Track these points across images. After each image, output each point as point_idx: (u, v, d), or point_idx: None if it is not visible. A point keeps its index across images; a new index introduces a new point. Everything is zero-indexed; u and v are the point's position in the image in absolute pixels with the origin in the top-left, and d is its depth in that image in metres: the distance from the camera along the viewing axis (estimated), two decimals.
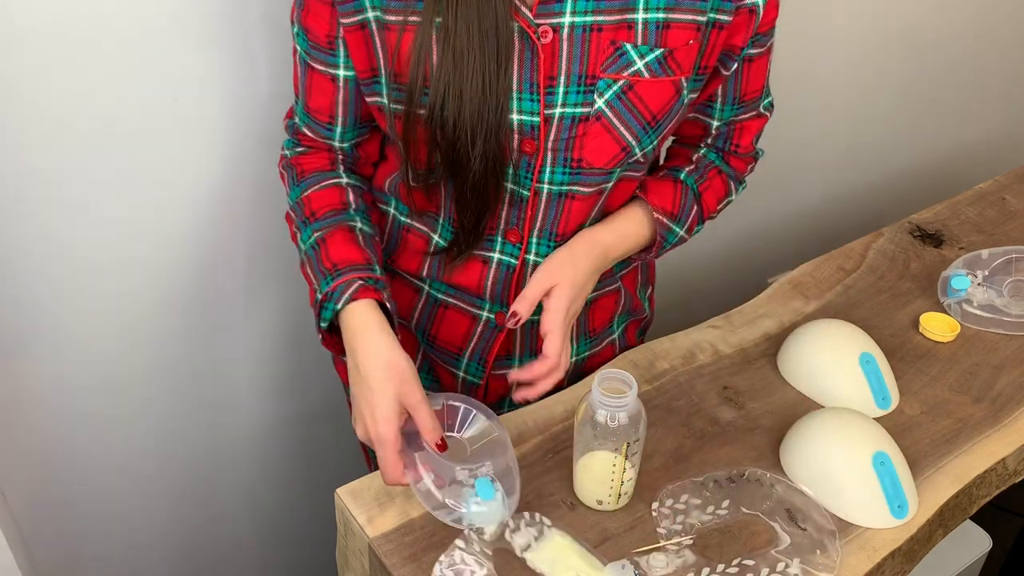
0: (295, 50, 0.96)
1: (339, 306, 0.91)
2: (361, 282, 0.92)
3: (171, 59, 1.08)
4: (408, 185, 0.95)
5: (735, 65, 0.97)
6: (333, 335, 0.97)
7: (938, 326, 1.22)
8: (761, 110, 1.07)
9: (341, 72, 0.94)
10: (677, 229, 1.05)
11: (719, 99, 1.03)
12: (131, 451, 1.33)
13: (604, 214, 1.03)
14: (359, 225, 0.98)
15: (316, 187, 1.00)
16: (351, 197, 1.00)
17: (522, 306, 0.95)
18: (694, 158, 1.09)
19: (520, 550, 0.92)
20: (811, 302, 1.28)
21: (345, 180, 1.01)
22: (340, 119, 0.98)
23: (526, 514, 0.95)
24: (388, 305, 0.93)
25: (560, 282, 0.95)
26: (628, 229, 1.03)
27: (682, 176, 1.07)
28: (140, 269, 1.19)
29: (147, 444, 1.34)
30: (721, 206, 1.11)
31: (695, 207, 1.07)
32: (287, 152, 1.04)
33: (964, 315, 1.26)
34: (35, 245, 1.10)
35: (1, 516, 1.14)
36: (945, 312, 1.27)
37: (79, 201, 1.10)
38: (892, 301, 1.29)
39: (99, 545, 1.39)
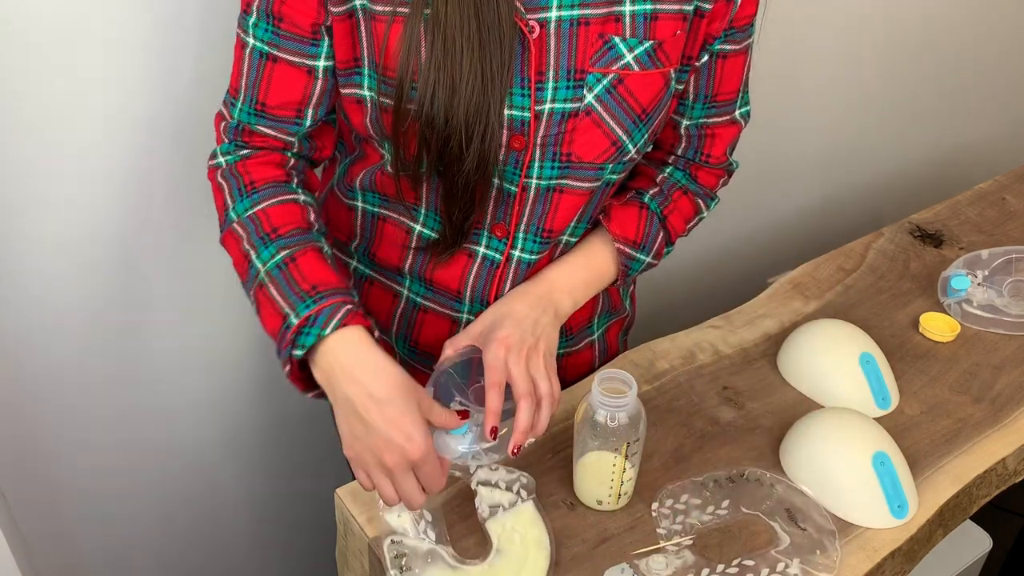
0: (243, 44, 0.90)
1: (326, 331, 0.82)
2: (350, 307, 0.84)
3: (161, 55, 1.08)
4: (396, 177, 0.93)
5: (705, 57, 0.95)
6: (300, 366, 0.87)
7: (938, 326, 1.22)
8: (736, 116, 1.03)
9: (321, 63, 0.90)
10: (642, 256, 1.03)
11: (691, 95, 0.99)
12: (130, 451, 1.33)
13: (595, 211, 1.02)
14: (326, 248, 0.91)
15: (271, 201, 0.91)
16: (312, 217, 0.93)
17: (450, 348, 0.94)
18: (658, 179, 1.06)
19: (475, 483, 0.95)
20: (811, 302, 1.28)
21: (302, 198, 0.93)
22: (311, 113, 0.92)
23: (508, 473, 0.96)
24: (375, 334, 0.86)
25: (495, 335, 0.91)
26: (577, 261, 1.01)
27: (646, 199, 1.04)
28: (136, 269, 1.19)
29: (146, 444, 1.34)
30: (691, 225, 1.08)
31: (661, 232, 1.04)
32: (226, 159, 0.94)
33: (964, 315, 1.26)
34: (31, 245, 1.10)
35: (1, 516, 1.14)
36: (945, 312, 1.27)
37: (73, 201, 1.10)
38: (892, 301, 1.29)
39: (98, 544, 1.39)
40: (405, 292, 1.05)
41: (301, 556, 1.65)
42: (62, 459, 1.28)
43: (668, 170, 1.07)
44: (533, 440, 0.90)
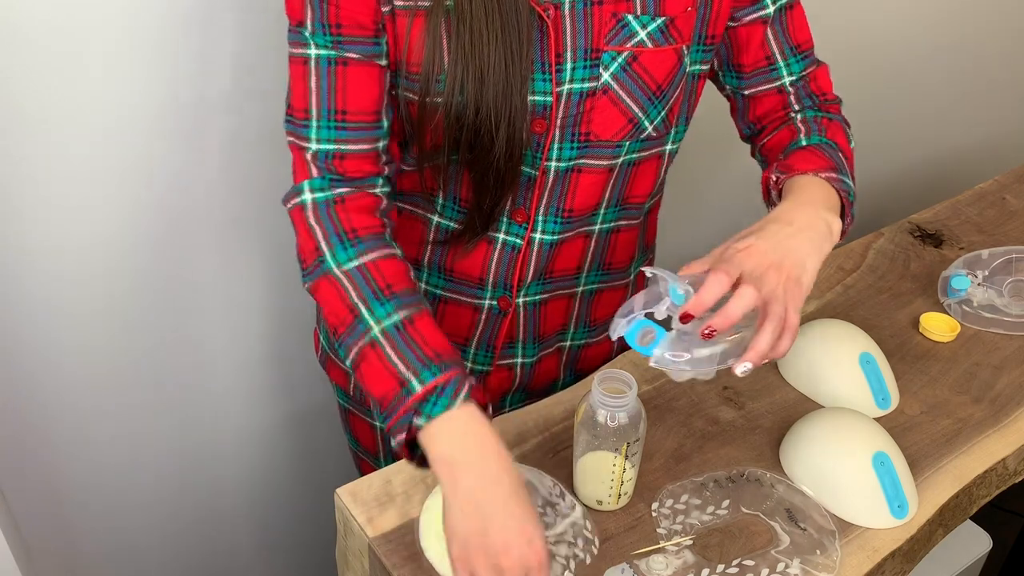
0: (303, 59, 0.86)
1: (455, 401, 0.79)
2: (471, 381, 0.82)
3: (165, 57, 1.08)
4: (420, 169, 0.94)
5: (769, 9, 0.97)
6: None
7: (938, 326, 1.22)
8: (817, 61, 1.05)
9: (383, 60, 0.87)
10: (847, 179, 0.95)
11: (777, 56, 1.01)
12: (130, 451, 1.33)
13: (627, 195, 1.02)
14: (431, 310, 0.88)
15: (380, 254, 0.87)
16: (414, 275, 0.90)
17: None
18: (798, 122, 1.03)
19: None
20: (811, 302, 1.28)
21: (399, 252, 0.90)
22: (386, 112, 0.89)
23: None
24: (489, 410, 0.84)
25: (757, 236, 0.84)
26: (810, 189, 0.92)
27: (803, 142, 0.99)
28: (137, 271, 1.19)
29: (146, 444, 1.34)
30: (852, 151, 1.03)
31: (838, 153, 0.98)
32: (317, 195, 0.88)
33: (964, 315, 1.26)
34: (32, 245, 1.10)
35: (1, 516, 1.14)
36: (945, 312, 1.26)
37: (76, 202, 1.10)
38: (892, 301, 1.29)
39: (98, 545, 1.39)
40: (423, 286, 1.06)
41: (301, 556, 1.65)
42: (63, 459, 1.28)
43: (799, 116, 1.04)
44: (748, 367, 0.80)
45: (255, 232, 1.25)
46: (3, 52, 0.98)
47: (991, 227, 1.46)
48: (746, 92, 1.05)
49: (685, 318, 0.81)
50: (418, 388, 0.80)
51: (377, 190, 0.90)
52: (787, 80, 1.03)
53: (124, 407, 1.29)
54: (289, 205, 0.90)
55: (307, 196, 0.88)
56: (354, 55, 0.86)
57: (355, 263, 0.86)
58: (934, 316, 1.24)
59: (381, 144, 0.90)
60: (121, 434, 1.31)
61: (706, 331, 0.81)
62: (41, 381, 1.20)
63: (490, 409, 0.83)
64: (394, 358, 0.82)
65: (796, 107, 1.05)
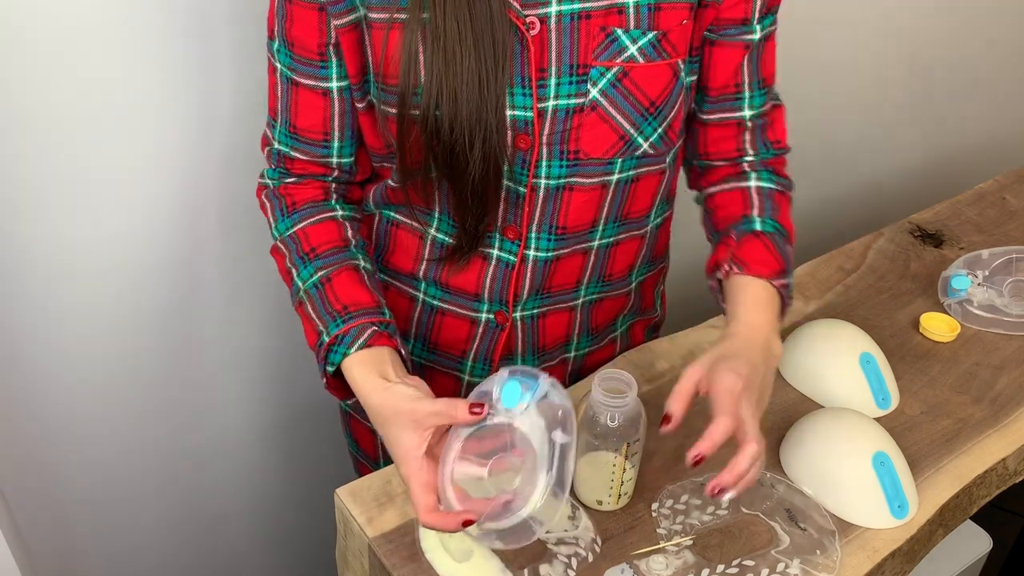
0: (273, 68, 0.93)
1: (351, 350, 0.88)
2: (375, 327, 0.89)
3: (160, 59, 1.08)
4: (403, 186, 0.94)
5: (756, 35, 0.94)
6: (335, 378, 0.92)
7: (938, 326, 1.22)
8: (778, 99, 1.03)
9: (334, 84, 0.91)
10: (791, 279, 0.99)
11: (745, 87, 0.97)
12: (130, 451, 1.33)
13: (628, 212, 1.00)
14: (362, 263, 0.95)
15: (311, 220, 0.96)
16: (350, 232, 0.97)
17: (675, 405, 0.86)
18: (752, 192, 1.01)
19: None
20: (811, 302, 1.28)
21: (340, 212, 0.98)
22: (336, 134, 0.95)
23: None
24: (402, 352, 0.90)
25: (730, 365, 0.85)
26: (757, 301, 0.95)
27: (757, 226, 0.98)
28: (137, 270, 1.19)
29: (146, 444, 1.34)
30: None
31: (788, 247, 0.99)
32: (271, 182, 0.99)
33: (964, 315, 1.26)
34: (32, 246, 1.10)
35: (1, 516, 1.14)
36: (945, 312, 1.27)
37: (76, 203, 1.10)
38: (892, 301, 1.29)
39: (98, 545, 1.39)
40: (421, 296, 1.06)
41: (301, 556, 1.65)
42: (63, 459, 1.28)
43: (753, 179, 1.02)
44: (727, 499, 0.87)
45: (254, 232, 1.25)
46: (3, 52, 0.98)
47: (991, 227, 1.46)
48: (705, 118, 1.00)
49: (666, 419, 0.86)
50: (326, 339, 0.90)
51: (323, 180, 0.99)
52: (747, 114, 0.99)
53: (123, 407, 1.29)
54: (257, 184, 1.01)
55: (267, 180, 1.00)
56: (303, 79, 0.92)
57: (290, 232, 0.96)
58: (934, 316, 1.24)
59: (332, 160, 0.97)
60: (121, 434, 1.31)
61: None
62: (41, 381, 1.20)
63: (402, 351, 0.90)
64: (313, 314, 0.92)
65: (750, 153, 1.02)
